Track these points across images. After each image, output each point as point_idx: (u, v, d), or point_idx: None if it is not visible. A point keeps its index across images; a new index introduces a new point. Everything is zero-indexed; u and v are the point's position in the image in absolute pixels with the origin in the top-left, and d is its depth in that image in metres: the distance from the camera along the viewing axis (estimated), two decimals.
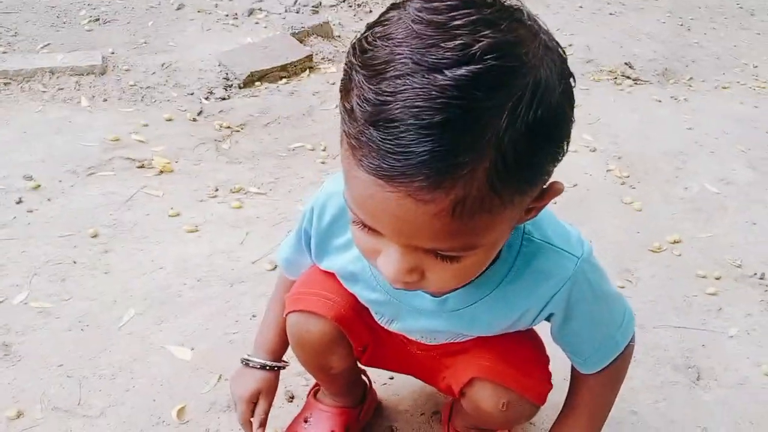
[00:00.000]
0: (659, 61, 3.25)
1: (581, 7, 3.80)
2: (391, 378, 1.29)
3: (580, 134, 2.43)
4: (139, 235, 1.69)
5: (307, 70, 2.67)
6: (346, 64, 0.59)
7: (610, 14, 3.79)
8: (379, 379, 1.28)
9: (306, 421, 1.11)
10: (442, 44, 0.53)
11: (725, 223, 1.94)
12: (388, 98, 0.53)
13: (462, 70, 0.52)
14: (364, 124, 0.55)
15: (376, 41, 0.56)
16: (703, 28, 3.73)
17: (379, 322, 0.93)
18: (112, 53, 2.55)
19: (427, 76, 0.52)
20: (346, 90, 0.58)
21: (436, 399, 1.24)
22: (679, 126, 2.53)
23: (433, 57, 0.53)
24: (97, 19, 2.81)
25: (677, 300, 1.61)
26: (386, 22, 0.58)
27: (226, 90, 2.44)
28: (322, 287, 0.93)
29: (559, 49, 0.61)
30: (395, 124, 0.53)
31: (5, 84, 2.28)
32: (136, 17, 2.89)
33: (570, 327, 0.86)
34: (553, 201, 0.68)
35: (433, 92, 0.52)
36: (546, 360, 0.96)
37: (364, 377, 1.18)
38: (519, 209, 0.62)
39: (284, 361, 1.07)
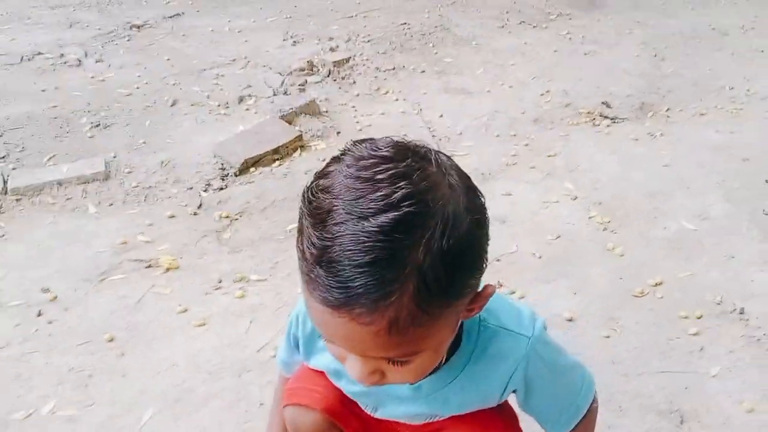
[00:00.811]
0: (636, 96, 3.38)
1: (556, 51, 3.96)
2: None
3: (561, 183, 2.55)
4: (150, 335, 1.81)
5: (299, 149, 2.83)
6: (299, 210, 0.72)
7: (585, 54, 3.94)
8: None
9: None
10: (368, 196, 0.66)
11: (703, 261, 2.04)
12: (328, 243, 0.66)
13: (383, 217, 0.65)
14: (312, 263, 0.67)
15: (318, 194, 0.70)
16: (678, 54, 3.86)
17: (365, 411, 1.04)
18: (114, 157, 2.72)
19: (357, 224, 0.65)
20: (299, 233, 0.72)
21: None
22: (656, 163, 2.64)
23: (362, 207, 0.66)
24: (98, 125, 2.99)
25: (661, 344, 1.70)
26: (327, 175, 0.71)
27: (223, 180, 2.59)
28: (312, 382, 1.05)
29: (468, 184, 0.74)
30: (334, 264, 0.65)
31: (17, 200, 2.44)
32: (134, 118, 3.07)
33: (532, 400, 0.96)
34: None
35: (362, 237, 0.64)
36: (515, 428, 1.05)
37: None
38: (453, 316, 0.74)
39: None
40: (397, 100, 3.40)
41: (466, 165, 2.71)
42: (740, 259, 2.03)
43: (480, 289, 0.78)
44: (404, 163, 0.69)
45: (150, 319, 1.87)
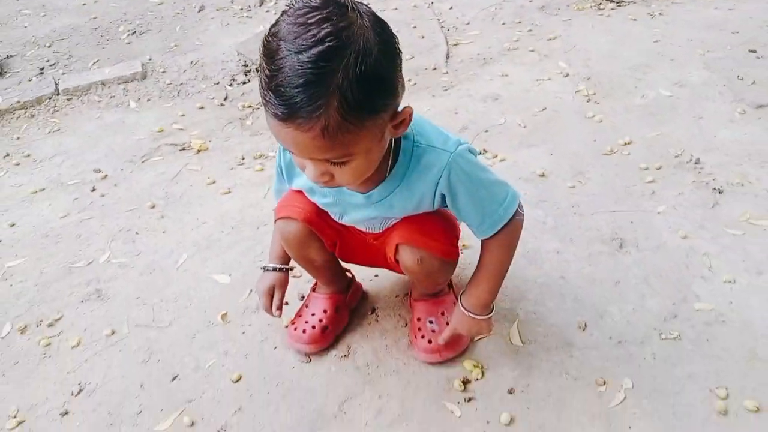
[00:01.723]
0: None
1: None
2: (376, 275, 1.71)
3: (556, 63, 2.74)
4: (185, 201, 2.15)
5: None
6: (259, 52, 0.99)
7: None
8: (367, 276, 1.70)
9: (306, 306, 1.55)
10: (302, 35, 0.92)
11: (674, 122, 2.24)
12: (276, 73, 0.92)
13: (312, 51, 0.90)
14: (265, 89, 0.94)
15: (270, 38, 0.96)
16: None
17: (335, 219, 1.33)
18: (150, 60, 3.03)
19: (294, 57, 0.91)
20: (260, 69, 0.99)
21: (407, 286, 1.65)
22: (647, 40, 2.79)
23: (297, 44, 0.92)
24: (134, 32, 3.29)
25: (618, 190, 1.94)
26: (276, 24, 0.97)
27: (245, 75, 2.87)
28: (294, 201, 1.35)
29: (379, 25, 0.98)
30: (280, 87, 0.92)
31: (68, 100, 2.79)
32: (166, 24, 3.35)
33: (458, 204, 1.21)
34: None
35: (297, 66, 0.90)
36: (451, 231, 1.32)
37: (348, 273, 1.61)
38: (376, 129, 0.99)
39: (290, 267, 1.49)
40: None
41: (469, 52, 2.96)
42: (708, 119, 2.22)
43: (400, 109, 1.03)
44: (327, 10, 0.94)
45: (184, 189, 2.21)
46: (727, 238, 1.72)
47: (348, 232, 1.41)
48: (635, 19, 3.02)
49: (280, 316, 1.48)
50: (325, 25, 0.90)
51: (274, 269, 1.47)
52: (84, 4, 3.70)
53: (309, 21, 0.91)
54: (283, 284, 1.48)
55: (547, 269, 1.68)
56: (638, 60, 2.64)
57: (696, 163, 2.01)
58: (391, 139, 1.13)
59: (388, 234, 1.34)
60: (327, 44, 0.89)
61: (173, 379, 1.51)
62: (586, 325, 1.50)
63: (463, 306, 1.33)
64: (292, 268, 1.50)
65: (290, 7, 0.97)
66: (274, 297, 1.46)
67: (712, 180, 1.93)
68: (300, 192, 1.34)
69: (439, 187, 1.18)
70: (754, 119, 2.18)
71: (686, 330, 1.47)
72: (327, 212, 1.34)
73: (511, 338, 1.49)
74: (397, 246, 1.30)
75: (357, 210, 1.26)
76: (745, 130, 2.14)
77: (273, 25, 0.97)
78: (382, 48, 0.94)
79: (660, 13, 3.05)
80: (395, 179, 1.18)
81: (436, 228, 1.30)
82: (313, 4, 0.95)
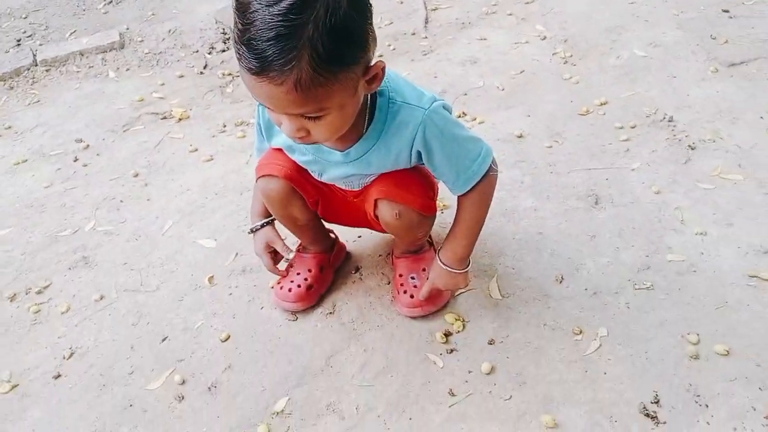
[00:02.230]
0: None
1: None
2: (359, 236, 1.75)
3: (533, 26, 2.76)
4: (168, 169, 2.17)
5: None
6: (232, 6, 1.01)
7: None
8: (350, 237, 1.74)
9: (292, 266, 1.58)
10: None
11: (648, 81, 2.28)
12: (248, 26, 0.93)
13: (283, 3, 0.91)
14: (238, 43, 0.95)
15: None
16: None
17: (315, 177, 1.36)
18: (127, 29, 3.01)
19: (264, 10, 0.91)
20: (234, 24, 1.00)
21: (389, 245, 1.69)
22: (622, 2, 2.81)
23: None
24: (110, 1, 3.26)
25: (593, 149, 1.99)
26: None
27: (224, 43, 2.86)
28: (274, 158, 1.37)
29: None
30: (252, 41, 0.93)
31: (46, 71, 2.77)
32: None
33: (433, 160, 1.23)
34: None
35: (268, 19, 0.91)
36: (429, 186, 1.35)
37: (332, 234, 1.64)
38: (349, 83, 1.00)
39: (273, 218, 1.49)
40: None
41: (448, 16, 2.98)
42: (681, 78, 2.26)
43: (372, 63, 1.06)
44: None
45: (167, 157, 2.23)
46: (699, 192, 1.77)
47: (329, 190, 1.44)
48: None
49: (287, 269, 1.55)
50: None
51: (263, 226, 1.49)
52: None
53: None
54: (277, 236, 1.51)
55: (525, 225, 1.73)
56: (613, 21, 2.67)
57: (669, 120, 2.06)
58: (367, 96, 1.15)
59: (367, 191, 1.37)
60: None
61: (163, 340, 1.55)
62: (562, 277, 1.56)
63: (440, 260, 1.37)
64: (274, 219, 1.51)
65: None
66: (276, 248, 1.49)
67: (685, 137, 1.98)
68: (280, 150, 1.36)
69: (414, 143, 1.20)
70: (726, 77, 2.23)
71: (659, 280, 1.53)
72: (307, 170, 1.37)
73: (490, 292, 1.54)
74: (375, 201, 1.33)
75: (335, 168, 1.29)
76: (717, 88, 2.19)
77: None
78: (352, 0, 0.95)
79: None
80: (372, 136, 1.20)
81: (414, 183, 1.33)
82: None
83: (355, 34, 0.98)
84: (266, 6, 0.91)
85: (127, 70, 2.76)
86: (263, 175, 1.39)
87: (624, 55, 2.44)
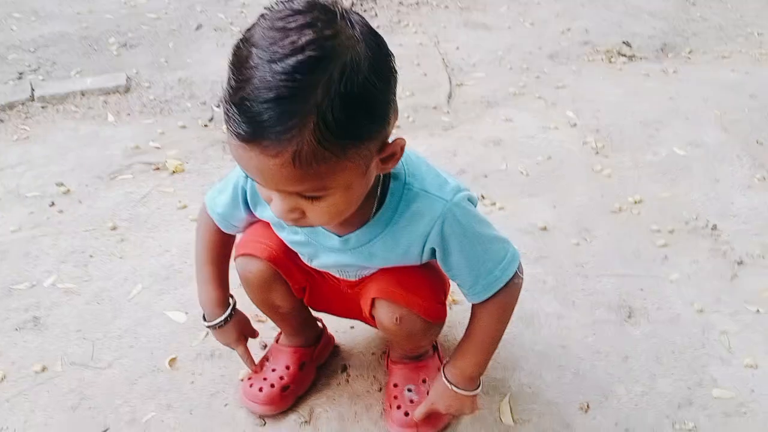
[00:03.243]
0: (659, 37, 3.35)
1: None
2: (352, 327, 1.50)
3: (563, 112, 2.59)
4: (150, 225, 1.95)
5: None
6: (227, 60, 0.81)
7: None
8: (340, 327, 1.50)
9: (267, 360, 1.34)
10: (279, 42, 0.73)
11: (688, 183, 2.07)
12: (243, 84, 0.74)
13: (289, 60, 0.72)
14: (228, 102, 0.76)
15: (241, 44, 0.78)
16: (709, 0, 3.78)
17: (304, 261, 1.14)
18: (136, 73, 2.85)
19: (266, 66, 0.72)
20: (227, 80, 0.80)
21: (386, 343, 1.44)
22: (660, 96, 2.64)
23: (272, 51, 0.73)
24: (125, 44, 3.12)
25: (627, 252, 1.76)
26: (251, 29, 0.79)
27: None
28: (260, 236, 1.16)
29: (373, 38, 0.80)
30: (245, 101, 0.73)
31: (43, 107, 2.60)
32: (159, 39, 3.19)
33: (450, 261, 1.03)
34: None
35: (268, 77, 0.72)
36: (439, 287, 1.14)
37: (319, 323, 1.40)
38: (359, 160, 0.80)
39: (233, 301, 1.26)
40: (416, 32, 3.44)
41: (473, 93, 2.80)
42: (725, 183, 2.05)
43: (391, 140, 0.85)
44: (312, 15, 0.75)
45: (152, 211, 2.01)
46: (748, 315, 1.53)
47: (320, 277, 1.21)
48: (648, 75, 2.89)
49: (260, 363, 1.31)
50: (308, 31, 0.73)
51: (226, 320, 1.24)
52: (78, 13, 3.54)
53: (289, 26, 0.74)
54: (247, 324, 1.29)
55: (546, 335, 1.48)
56: (650, 115, 2.48)
57: (713, 229, 1.84)
58: (379, 177, 0.95)
59: (364, 284, 1.15)
60: (307, 54, 0.72)
61: None
62: (588, 406, 1.30)
63: (445, 377, 1.12)
64: (234, 302, 1.27)
65: (269, 10, 0.79)
66: (248, 341, 1.28)
67: (730, 249, 1.75)
68: (267, 225, 1.14)
69: (429, 239, 1.00)
70: None
71: (703, 421, 1.27)
72: (295, 254, 1.15)
73: (501, 415, 1.28)
74: (373, 300, 1.10)
75: (330, 254, 1.07)
76: (765, 199, 1.97)
77: (248, 30, 0.79)
78: (374, 65, 0.76)
79: (674, 71, 2.92)
80: (379, 224, 1.00)
81: (421, 281, 1.11)
82: (295, 6, 0.77)
83: (374, 104, 0.78)
84: (268, 61, 0.72)
85: (128, 115, 2.59)
86: (243, 254, 1.16)
87: (662, 152, 2.24)
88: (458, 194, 0.99)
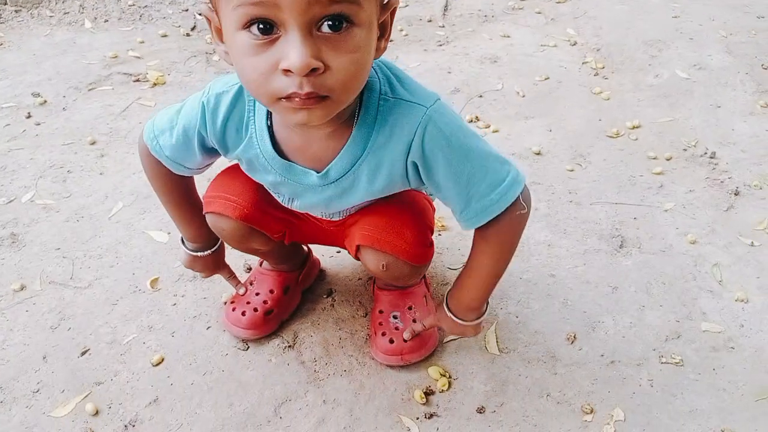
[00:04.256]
0: None
1: None
2: (338, 252, 1.47)
3: (563, 29, 2.48)
4: (131, 140, 1.88)
5: None
6: None
7: None
8: (327, 253, 1.46)
9: (251, 284, 1.30)
10: None
11: (688, 108, 2.00)
12: None
13: None
14: None
15: None
16: None
17: (282, 204, 1.06)
18: None
19: None
20: None
21: None
22: (665, 14, 2.53)
23: None
24: None
25: (622, 179, 1.71)
26: None
27: None
28: (227, 191, 1.07)
29: None
30: None
31: (16, 11, 2.46)
32: None
33: (436, 178, 0.91)
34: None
35: None
36: (426, 226, 1.07)
37: (305, 247, 1.36)
38: None
39: (219, 241, 1.20)
40: None
41: (470, 6, 2.68)
42: (726, 109, 1.99)
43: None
44: None
45: (132, 126, 1.93)
46: (741, 247, 1.50)
47: (299, 220, 1.14)
48: None
49: (244, 286, 1.28)
50: None
51: (213, 251, 1.20)
52: None
53: None
54: (222, 263, 1.26)
55: (535, 264, 1.45)
56: (654, 34, 2.38)
57: (711, 157, 1.78)
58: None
59: (349, 224, 1.09)
60: None
61: (83, 353, 1.26)
62: (575, 336, 1.29)
63: (447, 306, 1.08)
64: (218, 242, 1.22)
65: None
66: (224, 277, 1.25)
67: (728, 179, 1.71)
68: (235, 173, 1.05)
69: (411, 153, 0.89)
70: None
71: (690, 354, 1.26)
72: (270, 201, 1.07)
73: (486, 344, 1.27)
74: (358, 247, 1.05)
75: (312, 193, 0.98)
76: (766, 126, 1.91)
77: None
78: None
79: None
80: (357, 145, 0.89)
81: (407, 222, 1.04)
82: None
83: None
84: None
85: (106, 21, 2.46)
86: (211, 212, 1.09)
87: (664, 75, 2.16)
88: (439, 101, 0.89)
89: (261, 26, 0.68)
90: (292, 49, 0.68)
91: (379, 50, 0.79)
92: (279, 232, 1.15)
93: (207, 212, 1.10)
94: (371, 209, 1.05)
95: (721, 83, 2.10)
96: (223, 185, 1.09)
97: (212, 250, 1.19)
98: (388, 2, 0.76)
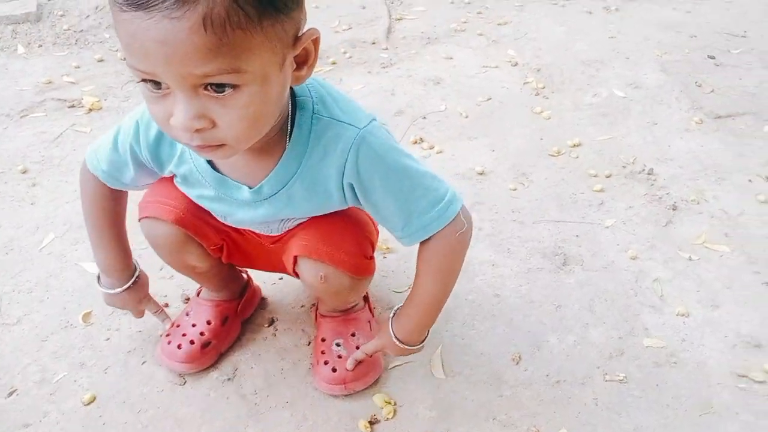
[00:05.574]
0: None
1: None
2: (281, 278, 1.44)
3: (505, 50, 2.51)
4: (65, 168, 1.81)
5: None
6: None
7: None
8: (269, 280, 1.43)
9: (187, 315, 1.26)
10: None
11: (626, 125, 2.04)
12: None
13: None
14: None
15: None
16: None
17: (219, 220, 1.05)
18: (48, 0, 2.62)
19: None
20: None
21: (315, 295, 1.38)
22: (601, 35, 2.60)
23: None
24: None
25: (563, 198, 1.73)
26: None
27: None
28: (163, 195, 1.05)
29: None
30: None
31: None
32: None
33: (374, 199, 0.91)
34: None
35: None
36: (366, 240, 1.06)
37: (244, 275, 1.33)
38: (277, 42, 0.69)
39: (136, 273, 1.16)
40: None
41: (413, 28, 2.69)
42: (663, 126, 2.03)
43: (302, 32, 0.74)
44: None
45: (66, 153, 1.87)
46: (681, 262, 1.53)
47: (238, 235, 1.12)
48: (590, 12, 2.83)
49: (171, 323, 1.23)
50: None
51: (125, 289, 1.15)
52: None
53: None
54: (145, 298, 1.22)
55: (480, 284, 1.45)
56: (592, 55, 2.44)
57: (649, 174, 1.82)
58: (288, 104, 0.85)
59: (287, 239, 1.07)
60: None
61: (10, 394, 1.20)
62: (520, 357, 1.28)
63: (392, 330, 1.06)
64: (138, 273, 1.18)
65: None
66: (148, 311, 1.20)
67: (666, 194, 1.74)
68: (171, 182, 1.03)
69: (346, 173, 0.89)
70: (712, 131, 2.01)
71: (633, 371, 1.26)
72: (207, 210, 1.05)
73: (432, 368, 1.25)
74: (295, 258, 1.03)
75: (245, 209, 0.97)
76: (702, 142, 1.96)
77: None
78: None
79: (616, 9, 2.86)
80: (291, 162, 0.88)
81: (346, 235, 1.03)
82: None
83: None
84: None
85: (40, 46, 2.39)
86: (147, 217, 1.06)
87: (602, 94, 2.20)
88: (373, 122, 0.89)
89: (152, 83, 0.69)
90: (177, 110, 0.69)
91: (300, 78, 0.78)
92: (216, 244, 1.12)
93: (142, 218, 1.08)
94: (310, 222, 1.03)
95: (657, 101, 2.15)
96: (160, 191, 1.06)
97: (125, 286, 1.14)
98: (302, 36, 0.74)
